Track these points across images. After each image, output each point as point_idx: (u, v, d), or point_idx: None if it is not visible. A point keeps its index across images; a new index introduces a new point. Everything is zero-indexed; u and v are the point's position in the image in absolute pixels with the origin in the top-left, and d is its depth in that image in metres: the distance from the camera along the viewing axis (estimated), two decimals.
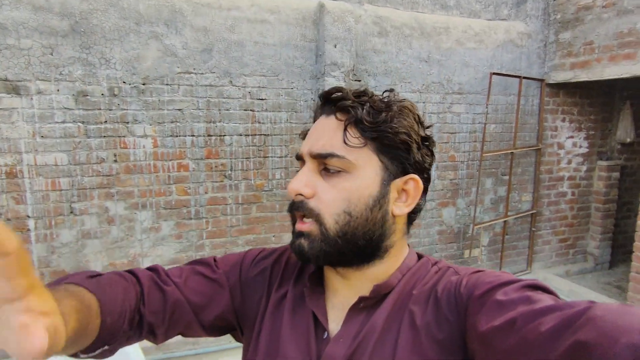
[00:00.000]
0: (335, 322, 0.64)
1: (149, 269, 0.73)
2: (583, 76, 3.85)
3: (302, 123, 3.36)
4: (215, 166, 3.19)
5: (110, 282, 0.63)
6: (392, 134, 0.59)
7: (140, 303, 0.66)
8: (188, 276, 0.72)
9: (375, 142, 0.60)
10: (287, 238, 3.38)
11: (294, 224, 0.64)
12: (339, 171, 0.60)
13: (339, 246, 0.60)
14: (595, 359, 0.35)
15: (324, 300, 0.67)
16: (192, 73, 3.03)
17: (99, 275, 0.64)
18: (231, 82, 3.14)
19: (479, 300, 0.52)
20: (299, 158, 0.65)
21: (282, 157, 3.35)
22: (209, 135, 3.14)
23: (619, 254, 4.69)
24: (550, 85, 4.17)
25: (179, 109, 3.04)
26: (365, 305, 0.63)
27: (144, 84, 2.91)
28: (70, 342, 0.47)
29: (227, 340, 3.21)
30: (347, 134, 0.60)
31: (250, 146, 3.25)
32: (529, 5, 4.04)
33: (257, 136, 3.26)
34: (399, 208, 0.63)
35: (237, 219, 3.30)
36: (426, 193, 0.66)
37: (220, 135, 3.17)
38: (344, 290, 0.66)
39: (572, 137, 4.39)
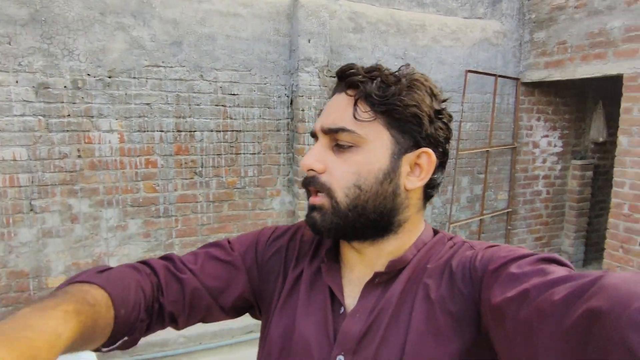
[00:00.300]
0: (351, 297, 0.65)
1: (163, 258, 0.73)
2: (557, 75, 3.89)
3: (275, 119, 3.30)
4: (185, 163, 3.10)
5: (121, 274, 0.63)
6: (402, 107, 0.59)
7: (159, 294, 0.67)
8: (203, 261, 0.72)
9: (385, 116, 0.60)
10: None
11: (308, 198, 0.65)
12: (350, 146, 0.60)
13: (350, 219, 0.61)
14: (607, 325, 0.35)
15: (340, 276, 0.68)
16: (160, 66, 2.94)
17: (109, 269, 0.63)
18: (202, 76, 3.06)
19: (493, 274, 0.53)
20: (314, 135, 0.66)
21: (254, 154, 3.28)
22: (178, 131, 3.05)
23: (592, 252, 4.74)
24: (526, 84, 4.20)
25: (147, 104, 2.94)
26: (380, 281, 0.63)
27: (109, 77, 2.81)
28: (77, 344, 0.48)
29: (197, 341, 3.12)
30: (357, 108, 0.60)
31: (221, 142, 3.18)
32: (505, 4, 4.06)
33: (229, 132, 3.19)
34: (412, 182, 0.62)
35: (208, 217, 3.22)
36: (444, 168, 0.66)
37: (191, 131, 3.08)
38: (360, 266, 0.66)
39: (547, 136, 4.43)
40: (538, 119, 4.35)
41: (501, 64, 4.06)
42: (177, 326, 0.71)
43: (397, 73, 0.62)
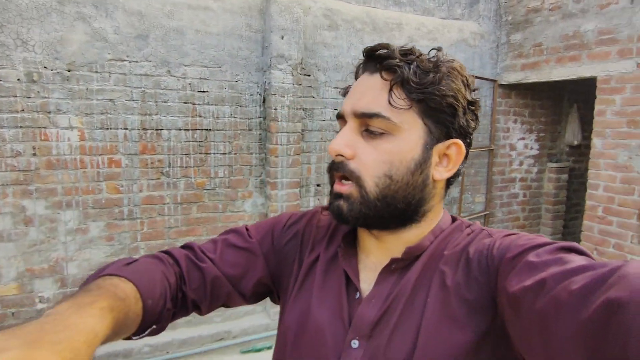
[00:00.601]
0: (367, 282, 0.65)
1: (184, 247, 0.75)
2: (533, 77, 3.88)
3: (247, 118, 3.18)
4: (152, 162, 2.95)
5: (146, 265, 0.65)
6: (439, 96, 0.57)
7: (182, 282, 0.69)
8: (222, 249, 0.74)
9: (421, 105, 0.58)
10: None
11: (332, 184, 0.64)
12: (382, 133, 0.58)
13: (378, 209, 0.59)
14: (627, 315, 0.34)
15: (356, 261, 0.67)
16: (125, 61, 2.79)
17: (135, 261, 0.65)
18: (169, 72, 2.92)
19: (511, 262, 0.52)
20: (340, 117, 0.64)
21: (225, 154, 3.15)
22: (144, 129, 2.90)
23: None
24: (503, 86, 4.19)
25: (110, 100, 2.78)
26: (397, 267, 0.63)
27: (69, 71, 2.65)
28: (110, 338, 0.49)
29: (163, 350, 2.97)
30: (393, 94, 0.57)
31: (190, 141, 3.04)
32: (482, 5, 4.04)
33: (198, 131, 3.05)
34: (440, 173, 0.62)
35: (176, 219, 3.07)
36: (467, 158, 0.65)
37: (157, 129, 2.93)
38: (377, 252, 0.66)
39: (523, 138, 4.43)
40: (515, 122, 4.35)
41: (478, 66, 4.03)
42: (201, 312, 0.73)
43: (433, 59, 0.59)
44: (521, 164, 4.46)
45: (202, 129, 3.06)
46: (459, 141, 0.62)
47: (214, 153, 3.12)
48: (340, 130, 0.63)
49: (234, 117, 3.14)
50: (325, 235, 0.73)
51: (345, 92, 0.69)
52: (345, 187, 0.60)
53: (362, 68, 0.65)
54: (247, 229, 0.77)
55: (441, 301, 0.57)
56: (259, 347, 3.16)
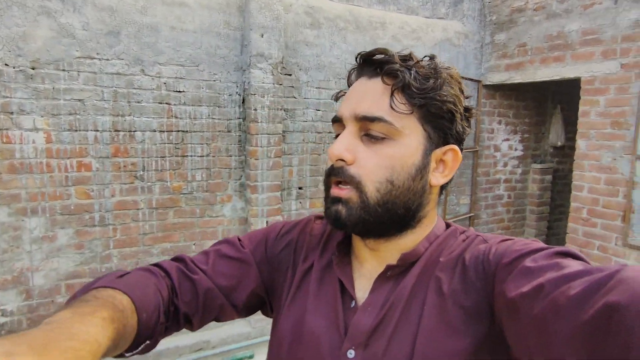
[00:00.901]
0: (362, 290, 0.64)
1: (175, 259, 0.73)
2: (517, 78, 3.85)
3: (225, 119, 3.06)
4: (124, 166, 2.80)
5: (139, 278, 0.63)
6: (440, 102, 0.58)
7: (174, 295, 0.67)
8: (214, 260, 0.72)
9: (422, 110, 0.58)
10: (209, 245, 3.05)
11: (327, 189, 0.62)
12: (383, 138, 0.58)
13: (379, 215, 0.58)
14: (627, 319, 0.34)
15: (351, 269, 0.66)
16: (95, 58, 2.64)
17: (127, 273, 0.64)
18: (143, 71, 2.78)
19: (507, 268, 0.52)
20: (337, 120, 0.62)
21: (203, 156, 3.02)
22: (116, 131, 2.75)
23: None
24: (487, 87, 4.15)
25: (79, 99, 2.63)
26: (392, 274, 0.62)
27: (33, 69, 2.49)
28: (109, 351, 0.48)
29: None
30: (394, 99, 0.57)
31: (165, 144, 2.90)
32: (466, 5, 3.99)
33: (174, 133, 2.91)
34: (437, 178, 0.62)
35: (151, 225, 2.93)
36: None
37: (130, 131, 2.79)
38: (372, 260, 0.65)
39: (508, 139, 4.40)
40: (499, 122, 4.31)
41: (463, 66, 3.98)
42: (192, 327, 0.71)
43: (432, 65, 0.59)
44: (505, 165, 4.43)
45: (178, 131, 2.92)
46: (456, 147, 0.62)
47: (191, 155, 2.99)
48: (337, 134, 0.62)
49: (212, 118, 3.01)
50: (318, 243, 0.72)
51: (337, 96, 0.69)
52: (344, 191, 0.59)
53: (357, 72, 0.64)
54: (239, 239, 0.76)
55: (438, 308, 0.56)
56: (240, 356, 3.04)
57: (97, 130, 2.70)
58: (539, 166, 4.51)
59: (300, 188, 3.39)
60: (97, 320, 0.46)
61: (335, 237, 0.70)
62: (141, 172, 2.85)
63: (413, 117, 0.58)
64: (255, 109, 3.00)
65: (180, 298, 0.68)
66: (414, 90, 0.57)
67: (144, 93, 2.80)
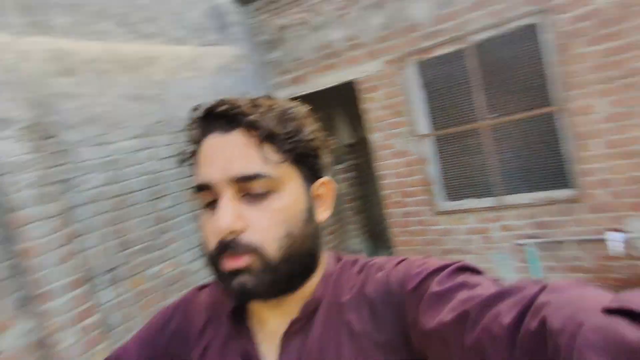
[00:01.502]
0: (270, 354, 0.59)
1: None
2: (300, 90, 3.98)
3: None
4: None
5: None
6: (306, 142, 0.57)
7: None
8: None
9: (292, 154, 0.56)
10: None
11: (216, 266, 0.55)
12: (266, 192, 0.54)
13: (285, 272, 0.55)
14: (562, 345, 0.33)
15: (252, 336, 0.61)
16: None
17: None
18: None
19: (414, 295, 0.51)
20: (203, 188, 0.55)
21: None
22: None
23: (381, 241, 5.16)
24: None
25: None
26: (297, 328, 0.58)
27: None
28: None
29: None
30: (264, 150, 0.54)
31: None
32: (232, 29, 3.92)
33: None
34: (321, 214, 0.61)
35: None
36: None
37: None
38: (273, 319, 0.60)
39: None
40: None
41: (251, 87, 3.90)
42: None
43: (283, 107, 0.56)
44: None
45: None
46: (327, 179, 0.61)
47: None
48: (207, 203, 0.55)
49: None
50: (209, 319, 0.65)
51: (184, 159, 0.60)
52: (241, 261, 0.52)
53: (202, 129, 0.56)
54: (125, 348, 0.67)
55: (355, 352, 0.54)
56: None
57: None
58: (341, 166, 4.83)
59: (111, 269, 2.69)
60: None
61: (224, 307, 0.64)
62: None
63: (286, 163, 0.55)
64: (15, 192, 2.21)
65: None
66: (281, 136, 0.54)
67: None
